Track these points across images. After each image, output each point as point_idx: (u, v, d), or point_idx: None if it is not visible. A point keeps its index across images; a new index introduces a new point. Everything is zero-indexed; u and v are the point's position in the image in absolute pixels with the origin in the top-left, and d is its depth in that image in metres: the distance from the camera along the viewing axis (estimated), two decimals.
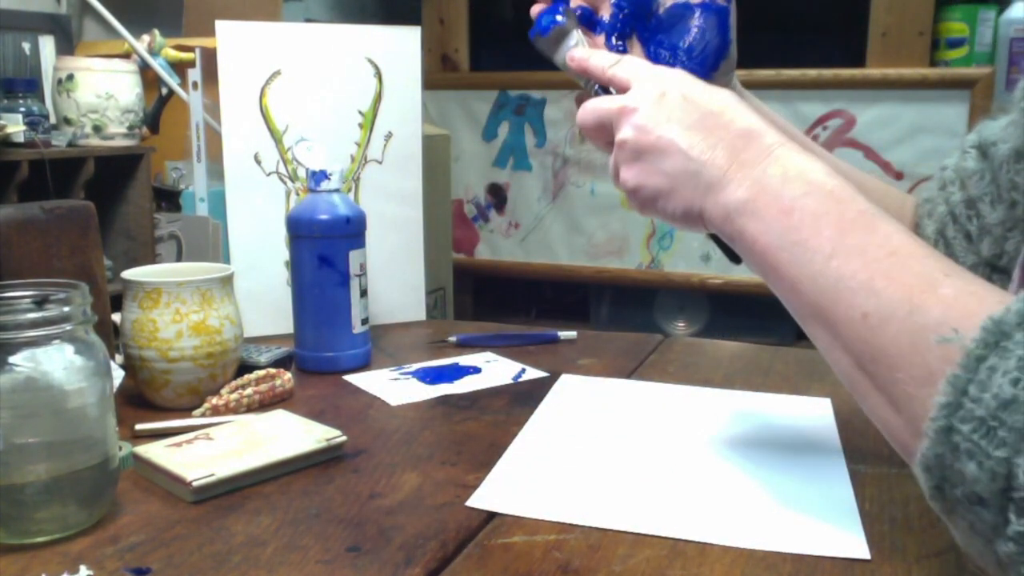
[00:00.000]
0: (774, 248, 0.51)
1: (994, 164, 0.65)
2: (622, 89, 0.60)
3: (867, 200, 0.50)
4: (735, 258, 0.57)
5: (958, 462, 0.39)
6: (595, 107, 0.61)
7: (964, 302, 0.42)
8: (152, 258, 1.80)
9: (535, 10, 0.70)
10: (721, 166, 0.54)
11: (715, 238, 0.59)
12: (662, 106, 0.57)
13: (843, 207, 0.49)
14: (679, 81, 0.58)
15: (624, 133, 0.58)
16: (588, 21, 0.71)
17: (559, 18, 0.67)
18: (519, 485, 0.62)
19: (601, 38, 0.70)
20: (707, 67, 0.68)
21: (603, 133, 0.61)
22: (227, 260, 1.00)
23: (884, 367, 0.44)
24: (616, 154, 0.60)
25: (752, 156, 0.53)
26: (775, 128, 0.55)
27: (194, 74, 1.78)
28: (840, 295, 0.47)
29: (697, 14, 0.67)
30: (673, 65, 0.67)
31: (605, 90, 0.62)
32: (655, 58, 0.68)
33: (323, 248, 0.87)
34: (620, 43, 0.70)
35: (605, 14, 0.70)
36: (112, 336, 0.80)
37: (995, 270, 0.65)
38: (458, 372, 0.89)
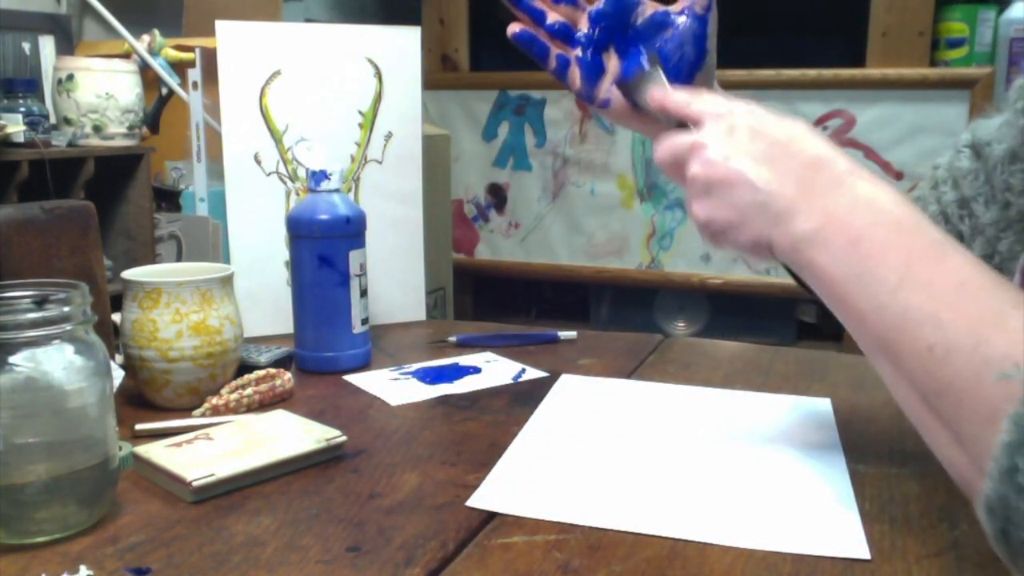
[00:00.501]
0: (841, 279, 0.51)
1: (988, 165, 0.65)
2: (696, 124, 0.60)
3: (937, 229, 0.49)
4: (810, 289, 0.57)
5: (1023, 503, 0.38)
6: (669, 143, 0.61)
7: None
8: (152, 258, 1.80)
9: (512, 30, 0.71)
10: (789, 197, 0.54)
11: (790, 270, 0.59)
12: (731, 140, 0.57)
13: (912, 237, 0.49)
14: (749, 114, 0.58)
15: (694, 168, 0.58)
16: (566, 35, 0.72)
17: (644, 62, 0.69)
18: (519, 485, 0.62)
19: (578, 50, 0.71)
20: (683, 76, 0.69)
21: (678, 169, 0.61)
22: (227, 260, 1.00)
23: (949, 402, 0.43)
24: (688, 188, 0.60)
25: (821, 186, 0.53)
26: (845, 155, 0.55)
27: (194, 74, 1.78)
28: (906, 327, 0.46)
29: (674, 25, 0.68)
30: None
31: (683, 126, 0.62)
32: (628, 71, 0.69)
33: (323, 248, 0.87)
34: (597, 56, 0.71)
35: (583, 28, 0.70)
36: (112, 336, 0.80)
37: None
38: (458, 372, 0.89)
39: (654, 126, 0.67)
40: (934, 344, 0.44)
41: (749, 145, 0.56)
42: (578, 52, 0.71)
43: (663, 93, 0.64)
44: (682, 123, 0.62)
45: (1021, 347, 0.41)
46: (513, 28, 0.71)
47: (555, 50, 0.71)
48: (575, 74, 0.71)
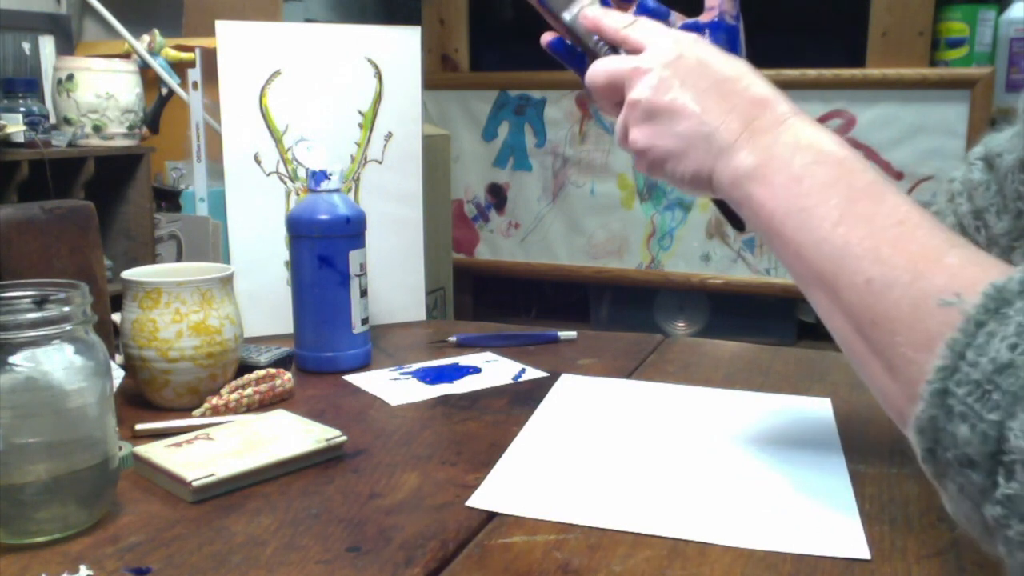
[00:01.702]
0: (781, 214, 0.51)
1: (999, 175, 0.65)
2: (636, 50, 0.60)
3: (877, 171, 0.50)
4: (739, 225, 0.58)
5: (951, 425, 0.39)
6: (607, 66, 0.60)
7: (969, 271, 0.43)
8: (152, 258, 1.80)
9: (546, 39, 0.70)
10: (734, 131, 0.54)
11: (720, 204, 0.59)
12: (677, 68, 0.57)
13: (853, 177, 0.50)
14: (695, 45, 0.58)
15: (637, 93, 0.58)
16: None
17: None
18: (519, 485, 0.62)
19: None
20: None
21: (613, 93, 0.60)
22: (227, 260, 1.00)
23: (884, 332, 0.45)
24: (626, 114, 0.59)
25: (765, 124, 0.54)
26: (788, 99, 0.55)
27: (194, 74, 1.78)
28: (845, 261, 0.47)
29: (706, 34, 0.68)
30: None
31: (615, 51, 0.61)
32: None
33: (323, 248, 0.87)
34: None
35: None
36: (112, 336, 0.80)
37: None
38: (458, 372, 0.89)
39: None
40: (872, 277, 0.45)
41: (696, 76, 0.56)
42: None
43: (598, 12, 0.63)
44: (614, 48, 0.61)
45: (960, 280, 0.42)
46: (547, 37, 0.70)
47: (591, 61, 0.71)
48: None
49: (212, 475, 0.60)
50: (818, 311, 0.51)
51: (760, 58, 0.68)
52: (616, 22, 0.62)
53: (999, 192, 0.66)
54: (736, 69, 0.57)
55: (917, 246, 0.45)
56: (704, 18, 0.69)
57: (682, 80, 0.57)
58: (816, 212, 0.49)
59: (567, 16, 0.66)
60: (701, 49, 0.58)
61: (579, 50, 0.70)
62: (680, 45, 0.58)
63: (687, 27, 0.69)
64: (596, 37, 0.63)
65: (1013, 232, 0.64)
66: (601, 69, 0.61)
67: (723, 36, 0.68)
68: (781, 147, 0.53)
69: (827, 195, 0.49)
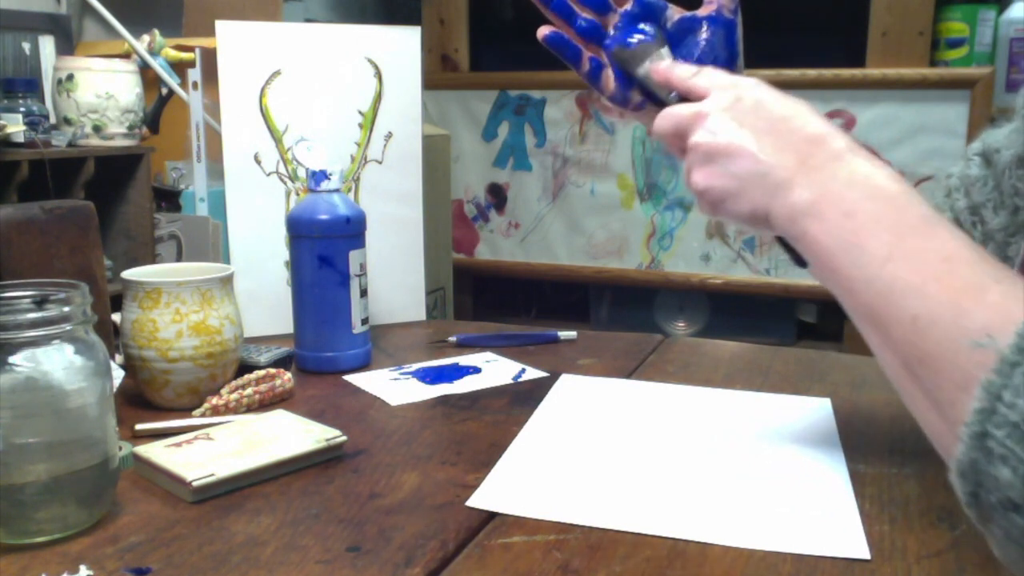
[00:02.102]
0: (833, 250, 0.52)
1: (997, 171, 0.65)
2: (700, 97, 0.61)
3: (928, 205, 0.51)
4: (802, 262, 0.58)
5: (992, 467, 0.39)
6: (672, 113, 0.62)
7: (1009, 307, 0.42)
8: (152, 258, 1.80)
9: (543, 32, 0.70)
10: (789, 168, 0.55)
11: (782, 242, 0.60)
12: (735, 112, 0.58)
13: (904, 212, 0.50)
14: (754, 88, 0.59)
15: (697, 136, 0.59)
16: (596, 37, 0.71)
17: (649, 30, 0.69)
18: (519, 485, 0.62)
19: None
20: None
21: (678, 140, 0.62)
22: (227, 260, 1.00)
23: (929, 371, 0.45)
24: (689, 157, 0.61)
25: (820, 160, 0.55)
26: (844, 134, 0.56)
27: (194, 74, 1.78)
28: (893, 298, 0.47)
29: (704, 27, 0.68)
30: None
31: (684, 100, 0.63)
32: (626, 38, 0.69)
33: (323, 248, 0.87)
34: None
35: (612, 31, 0.70)
36: (112, 336, 0.80)
37: None
38: (458, 372, 0.89)
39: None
40: (918, 315, 0.46)
41: (753, 117, 0.58)
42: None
43: (668, 65, 0.65)
44: (684, 98, 0.63)
45: (998, 319, 0.42)
46: (544, 31, 0.71)
47: (588, 53, 0.71)
48: (608, 77, 0.71)
49: (212, 475, 0.60)
50: (871, 347, 0.51)
51: (760, 58, 0.68)
52: (683, 72, 0.64)
53: (996, 188, 0.66)
54: (792, 108, 0.58)
55: (961, 282, 0.45)
56: (702, 12, 0.69)
57: (740, 122, 0.58)
58: (867, 248, 0.50)
59: (640, 72, 0.68)
60: (760, 91, 0.59)
61: (574, 44, 0.70)
62: (739, 88, 0.59)
63: (685, 20, 0.69)
64: (669, 91, 0.65)
65: (1010, 228, 0.65)
66: (668, 116, 0.62)
67: (721, 30, 0.68)
68: (835, 183, 0.53)
69: (878, 231, 0.50)
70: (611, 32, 0.71)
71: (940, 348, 0.44)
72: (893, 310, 0.47)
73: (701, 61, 0.68)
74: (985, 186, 0.67)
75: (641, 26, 0.69)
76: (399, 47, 1.05)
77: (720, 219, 0.61)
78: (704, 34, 0.68)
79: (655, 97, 0.69)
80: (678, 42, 0.70)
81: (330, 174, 0.88)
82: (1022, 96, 0.65)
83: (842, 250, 0.51)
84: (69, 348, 0.54)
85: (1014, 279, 0.45)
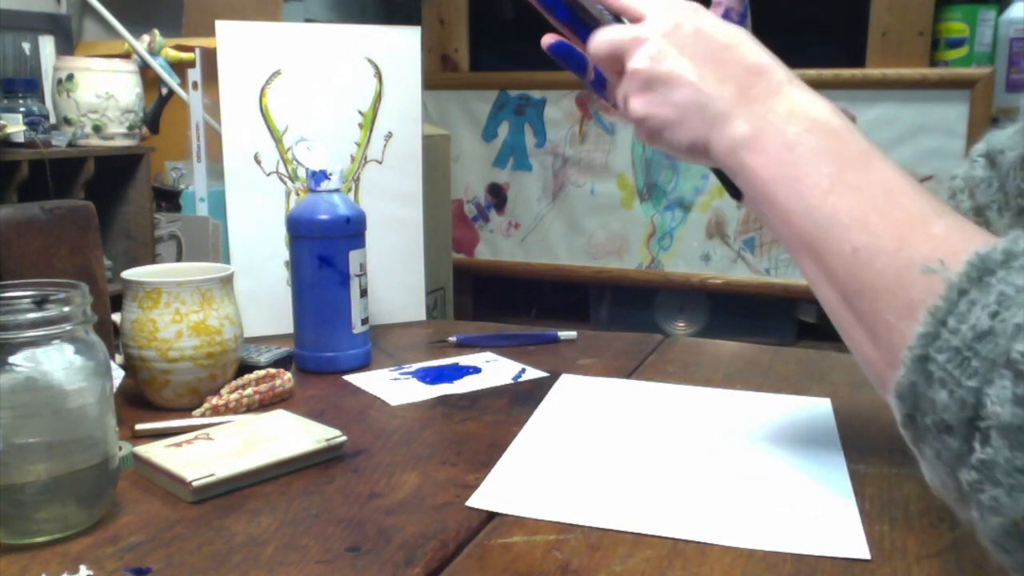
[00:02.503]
0: (773, 182, 0.52)
1: (1001, 172, 0.65)
2: (636, 19, 0.60)
3: (867, 139, 0.51)
4: (737, 194, 0.58)
5: (931, 390, 0.40)
6: (608, 36, 0.61)
7: (953, 239, 0.43)
8: (152, 258, 1.80)
9: (547, 41, 0.70)
10: (729, 100, 0.55)
11: (719, 173, 0.59)
12: (675, 38, 0.57)
13: (844, 145, 0.50)
14: (693, 13, 0.58)
15: (636, 63, 0.58)
16: None
17: None
18: (519, 485, 0.62)
19: None
20: None
21: (615, 63, 0.61)
22: (227, 260, 1.00)
23: (869, 300, 0.45)
24: (626, 83, 0.60)
25: (760, 92, 0.54)
26: (784, 66, 0.56)
27: (194, 74, 1.78)
28: (833, 229, 0.48)
29: None
30: None
31: (618, 20, 0.62)
32: None
33: (323, 248, 0.87)
34: None
35: None
36: (112, 336, 0.80)
37: None
38: (458, 372, 0.89)
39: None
40: (859, 246, 0.46)
41: (693, 45, 0.57)
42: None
43: None
44: (618, 19, 0.62)
45: (945, 248, 0.43)
46: (548, 39, 0.70)
47: (593, 62, 0.71)
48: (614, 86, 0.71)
49: (212, 475, 0.60)
50: (807, 278, 0.51)
51: None
52: None
53: (1001, 189, 0.66)
54: (733, 37, 0.57)
55: (903, 214, 0.45)
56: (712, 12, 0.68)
57: (680, 49, 0.57)
58: (807, 180, 0.50)
59: None
60: (699, 18, 0.58)
61: (579, 54, 0.69)
62: (678, 14, 0.58)
63: None
64: (600, 6, 0.64)
65: (1014, 228, 0.65)
66: (602, 39, 0.61)
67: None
68: (775, 115, 0.53)
69: (818, 163, 0.50)
70: None
71: (882, 278, 0.44)
72: (833, 242, 0.47)
73: None
74: (990, 187, 0.67)
75: None
76: (399, 47, 1.05)
77: (657, 147, 0.60)
78: None
79: (577, 55, 0.67)
80: None
81: (330, 174, 0.88)
82: None
83: (781, 182, 0.51)
84: (69, 348, 0.54)
85: (954, 213, 0.45)
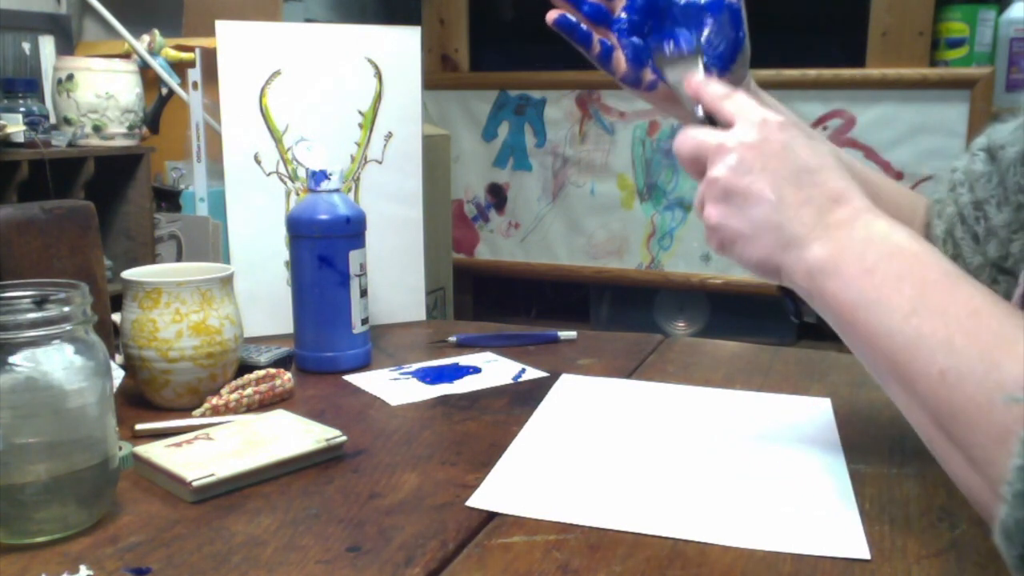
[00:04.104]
0: (853, 306, 0.51)
1: (1001, 167, 0.65)
2: (726, 123, 0.59)
3: (950, 262, 0.50)
4: (797, 314, 0.58)
5: None
6: (694, 137, 0.60)
7: None
8: (152, 258, 1.80)
9: (552, 16, 0.70)
10: (808, 224, 0.54)
11: (785, 292, 0.59)
12: (759, 152, 0.56)
13: (926, 269, 0.50)
14: (781, 130, 0.57)
15: (717, 171, 0.57)
16: (602, 18, 0.71)
17: (689, 39, 0.68)
18: (519, 485, 0.62)
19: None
20: (725, 61, 0.68)
21: (697, 165, 0.60)
22: (227, 260, 1.00)
23: (961, 426, 0.44)
24: (705, 188, 0.59)
25: (839, 219, 0.54)
26: (863, 193, 0.55)
27: (194, 74, 1.78)
28: (918, 352, 0.47)
29: (712, 10, 0.68)
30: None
31: (710, 119, 0.61)
32: (672, 45, 0.69)
33: (323, 248, 0.87)
34: (641, 38, 0.70)
35: (621, 12, 0.70)
36: (112, 336, 0.80)
37: (1001, 271, 0.65)
38: (458, 372, 0.89)
39: (688, 112, 0.67)
40: (946, 369, 0.45)
41: (776, 162, 0.56)
42: (621, 37, 0.70)
43: (701, 82, 0.63)
44: (711, 118, 0.61)
45: None
46: (552, 15, 0.70)
47: (597, 36, 0.70)
48: (620, 59, 0.70)
49: (212, 475, 0.60)
50: (897, 404, 0.50)
51: (760, 58, 0.68)
52: (715, 91, 0.62)
53: (1000, 184, 0.65)
54: (818, 160, 0.56)
55: (990, 336, 0.44)
56: None
57: (762, 165, 0.56)
58: (889, 303, 0.49)
59: (671, 77, 0.68)
60: (787, 135, 0.57)
61: (583, 28, 0.70)
62: (766, 128, 0.57)
63: (691, 4, 0.68)
64: (696, 104, 0.64)
65: (1013, 224, 0.64)
66: (689, 139, 0.60)
67: (725, 15, 0.67)
68: (853, 241, 0.52)
69: (900, 286, 0.49)
70: (619, 16, 0.70)
71: (973, 403, 0.43)
72: (919, 364, 0.46)
73: (709, 43, 0.68)
74: (989, 182, 0.66)
75: (680, 33, 0.69)
76: (399, 47, 1.05)
77: (727, 257, 0.59)
78: (711, 16, 0.68)
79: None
80: (684, 24, 0.69)
81: (330, 174, 0.88)
82: None
83: (862, 306, 0.50)
84: (69, 348, 0.54)
85: None
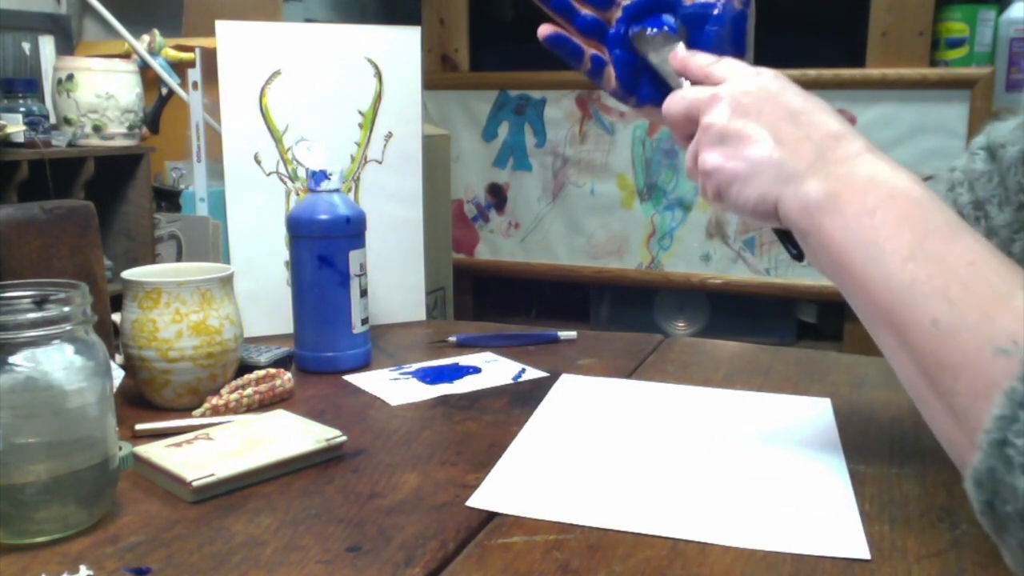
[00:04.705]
0: (850, 245, 0.50)
1: (1002, 166, 0.65)
2: (718, 83, 0.60)
3: (951, 211, 0.49)
4: (800, 256, 0.57)
5: (1011, 476, 0.38)
6: (686, 95, 0.60)
7: None
8: (152, 258, 1.80)
9: (543, 32, 0.70)
10: (807, 159, 0.54)
11: (781, 234, 0.59)
12: (755, 97, 0.57)
13: (927, 214, 0.49)
14: (775, 79, 0.58)
15: (711, 117, 0.57)
16: (597, 33, 0.71)
17: (671, 21, 0.68)
18: (519, 485, 0.62)
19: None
20: None
21: (688, 124, 0.60)
22: (227, 260, 1.00)
23: (947, 376, 0.43)
24: (699, 136, 0.59)
25: (839, 156, 0.53)
26: (864, 136, 0.55)
27: (194, 74, 1.78)
28: (913, 299, 0.46)
29: (711, 21, 0.67)
30: None
31: None
32: (653, 24, 0.69)
33: (323, 248, 0.87)
34: (632, 53, 0.70)
35: (614, 25, 0.70)
36: (112, 336, 0.80)
37: None
38: (458, 372, 0.89)
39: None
40: (939, 318, 0.44)
41: (772, 105, 0.56)
42: (612, 53, 0.70)
43: (686, 54, 0.64)
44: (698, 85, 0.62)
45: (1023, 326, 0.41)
46: (544, 30, 0.70)
47: (589, 50, 0.71)
48: (610, 74, 0.71)
49: (212, 475, 0.60)
50: (883, 350, 0.50)
51: (760, 58, 0.67)
52: (703, 60, 0.62)
53: (1001, 184, 0.65)
54: (812, 104, 0.56)
55: (987, 288, 0.44)
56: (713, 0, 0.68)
57: (758, 108, 0.56)
58: (886, 246, 0.48)
59: (655, 58, 0.68)
60: (780, 82, 0.58)
61: (574, 42, 0.70)
62: (760, 78, 0.58)
63: (695, 9, 0.68)
64: (683, 79, 0.64)
65: (1014, 224, 0.64)
66: (680, 97, 0.61)
67: (730, 22, 0.67)
68: (855, 179, 0.52)
69: (899, 230, 0.48)
70: (615, 28, 0.70)
71: (961, 354, 0.43)
72: (911, 312, 0.46)
73: (710, 52, 0.68)
74: (990, 182, 0.66)
75: (664, 16, 0.69)
76: (399, 47, 1.05)
77: (722, 206, 0.59)
78: (713, 25, 0.68)
79: (660, 90, 0.68)
80: (687, 32, 0.69)
81: (330, 174, 0.88)
82: None
83: (859, 247, 0.49)
84: (69, 348, 0.54)
85: None
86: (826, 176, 0.53)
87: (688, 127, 0.60)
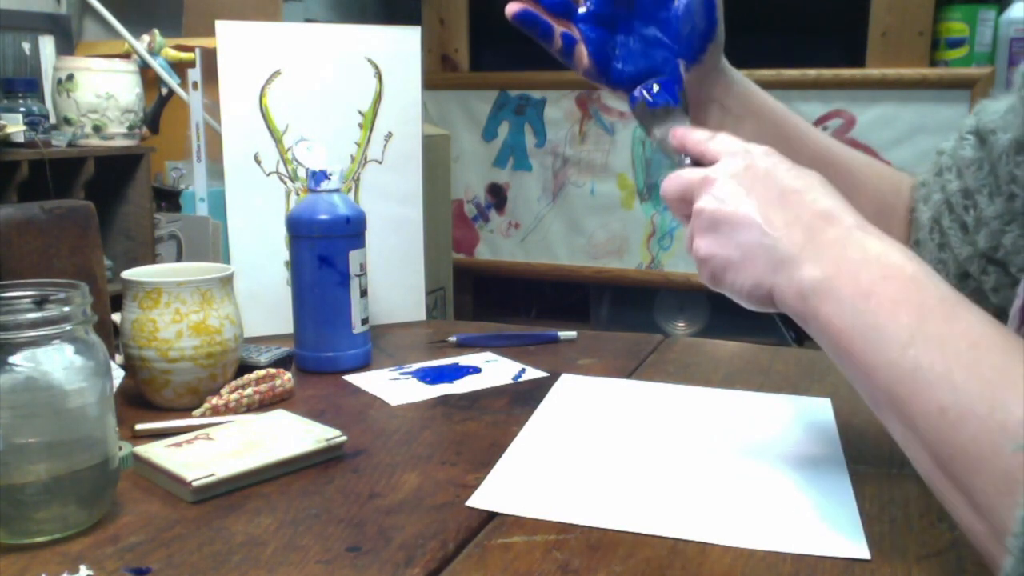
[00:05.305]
0: (848, 331, 0.49)
1: (993, 155, 0.63)
2: (711, 162, 0.59)
3: (948, 286, 0.48)
4: (798, 339, 0.56)
5: None
6: (680, 176, 0.60)
7: None
8: (152, 258, 1.80)
9: (511, 9, 0.69)
10: (798, 243, 0.53)
11: (782, 318, 0.58)
12: (744, 179, 0.56)
13: (924, 294, 0.47)
14: (765, 156, 0.57)
15: (703, 202, 0.57)
16: (564, 12, 0.70)
17: (676, 94, 0.68)
18: (519, 485, 0.62)
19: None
20: (695, 50, 0.67)
21: (684, 205, 0.59)
22: (227, 260, 1.00)
23: (963, 467, 0.42)
24: (693, 222, 0.58)
25: (831, 237, 0.52)
26: (854, 210, 0.54)
27: (194, 74, 1.78)
28: (917, 386, 0.44)
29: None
30: (658, 48, 0.67)
31: (697, 165, 0.61)
32: (641, 43, 0.68)
33: (323, 248, 0.87)
34: (603, 30, 0.69)
35: (582, 3, 0.69)
36: (112, 336, 0.80)
37: (991, 262, 0.64)
38: (458, 372, 0.89)
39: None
40: (947, 406, 0.43)
41: (762, 187, 0.55)
42: (583, 30, 0.69)
43: (685, 130, 0.63)
44: (696, 162, 0.61)
45: None
46: (512, 8, 0.69)
47: (559, 29, 0.69)
48: (582, 53, 0.69)
49: (212, 475, 0.60)
50: (894, 436, 0.49)
51: (760, 58, 0.67)
52: (698, 136, 0.62)
53: (992, 172, 0.63)
54: (803, 181, 0.55)
55: (992, 371, 0.42)
56: None
57: (748, 190, 0.55)
58: (885, 332, 0.47)
59: (658, 133, 0.67)
60: (771, 160, 0.57)
61: (544, 20, 0.69)
62: (750, 156, 0.57)
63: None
64: (683, 155, 0.64)
65: (1006, 215, 0.62)
66: (674, 179, 0.60)
67: (697, 1, 0.66)
68: (847, 262, 0.50)
69: (896, 314, 0.47)
70: (582, 8, 0.69)
71: (976, 445, 0.41)
72: (918, 399, 0.44)
73: (679, 29, 0.67)
74: (980, 170, 0.64)
75: (662, 79, 0.68)
76: (399, 47, 1.05)
77: (720, 291, 0.58)
78: (682, 2, 0.67)
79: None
80: (654, 11, 0.68)
81: (330, 174, 0.88)
82: (1020, 75, 0.62)
83: (857, 332, 0.48)
84: (69, 348, 0.54)
85: None
86: (818, 260, 0.51)
87: (685, 208, 0.60)
